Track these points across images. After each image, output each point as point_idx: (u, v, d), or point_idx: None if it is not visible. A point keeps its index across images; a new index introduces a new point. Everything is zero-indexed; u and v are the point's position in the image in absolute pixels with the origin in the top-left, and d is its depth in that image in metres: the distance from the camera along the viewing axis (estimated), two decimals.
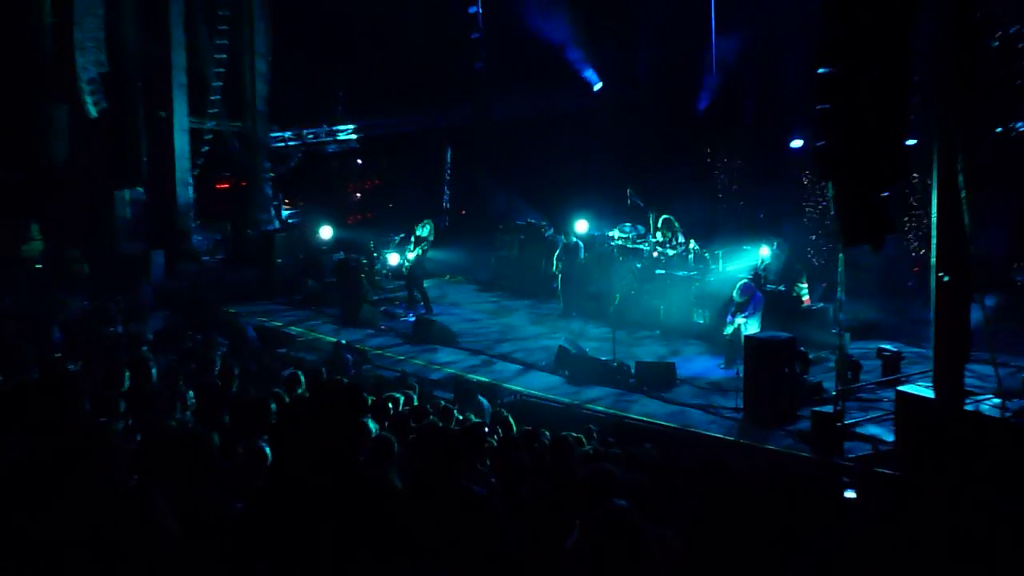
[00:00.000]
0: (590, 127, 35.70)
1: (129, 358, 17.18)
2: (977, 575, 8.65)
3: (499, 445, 14.27)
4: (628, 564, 8.09)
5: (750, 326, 24.52)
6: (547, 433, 16.10)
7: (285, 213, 32.61)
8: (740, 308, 25.23)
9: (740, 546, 10.36)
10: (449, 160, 34.53)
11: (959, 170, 20.26)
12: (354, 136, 35.14)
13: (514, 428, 16.61)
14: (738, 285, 25.53)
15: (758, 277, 26.48)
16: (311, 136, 34.48)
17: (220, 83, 32.35)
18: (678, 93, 35.77)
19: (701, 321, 26.44)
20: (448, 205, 33.42)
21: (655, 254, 28.07)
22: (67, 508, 6.55)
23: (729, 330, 25.37)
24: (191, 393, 14.23)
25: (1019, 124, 23.49)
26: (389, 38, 38.36)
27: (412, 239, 29.40)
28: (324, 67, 35.58)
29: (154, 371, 15.69)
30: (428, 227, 29.61)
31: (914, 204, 25.77)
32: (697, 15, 36.66)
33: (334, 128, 34.88)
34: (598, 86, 37.33)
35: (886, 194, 20.47)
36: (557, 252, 29.15)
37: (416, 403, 17.35)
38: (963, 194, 20.14)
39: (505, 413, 18.17)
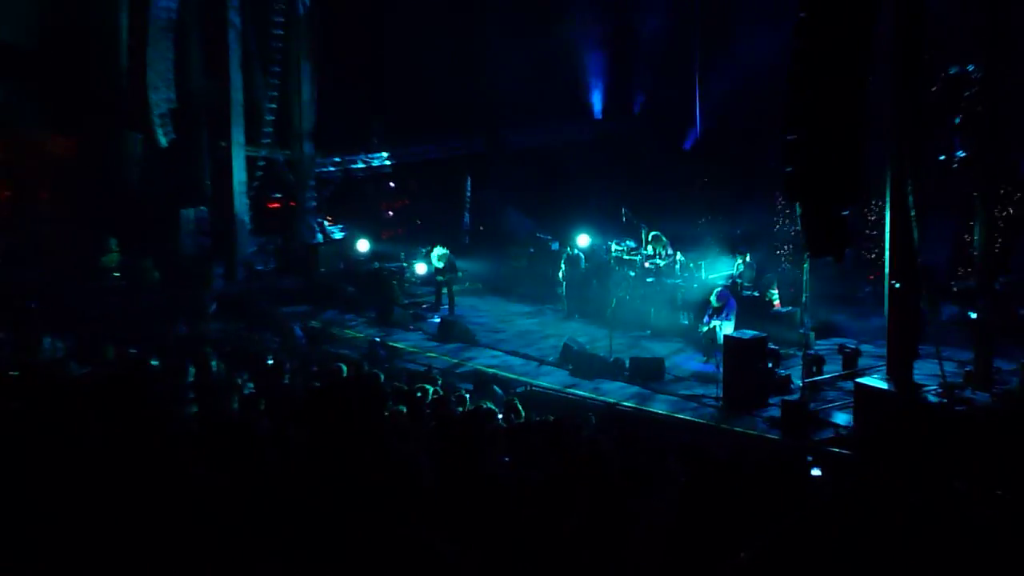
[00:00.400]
0: (591, 156, 35.64)
1: (193, 353, 17.20)
2: (929, 546, 8.58)
3: (513, 429, 14.26)
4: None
5: (725, 327, 24.60)
6: (551, 419, 16.11)
7: (329, 228, 32.56)
8: (717, 312, 25.44)
9: (720, 516, 10.32)
10: (468, 183, 34.46)
11: (909, 193, 20.32)
12: (387, 162, 35.11)
13: (522, 414, 16.60)
14: (715, 292, 25.76)
15: (735, 284, 26.55)
16: (350, 162, 34.45)
17: (272, 116, 32.35)
18: (667, 128, 35.75)
19: (686, 322, 26.46)
20: (468, 222, 33.31)
21: (646, 264, 28.07)
22: (145, 484, 6.54)
23: (704, 329, 25.53)
24: (251, 384, 14.21)
25: (958, 154, 23.43)
26: (417, 77, 38.31)
27: (438, 252, 29.43)
28: (362, 102, 35.53)
29: (214, 365, 15.74)
30: (442, 251, 29.60)
31: (870, 222, 25.68)
32: (685, 63, 36.89)
33: (370, 155, 34.84)
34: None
35: (845, 213, 20.44)
36: (562, 263, 29.17)
37: (440, 393, 17.35)
38: (912, 214, 20.16)
39: (516, 401, 18.15)
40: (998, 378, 21.49)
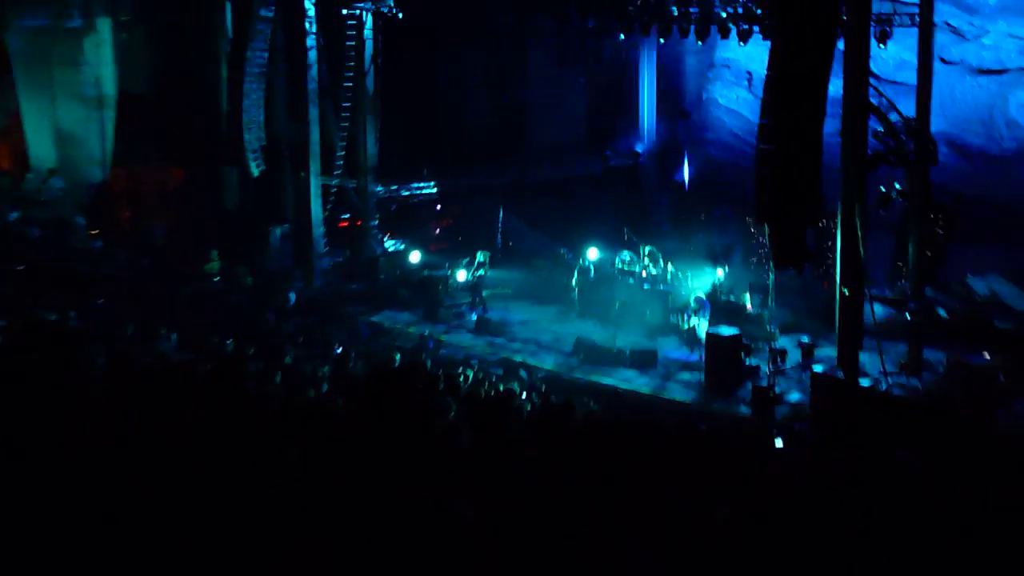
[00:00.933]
0: (600, 187, 35.65)
1: (277, 344, 17.31)
2: (873, 506, 8.64)
3: (534, 410, 14.32)
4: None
5: (702, 324, 24.67)
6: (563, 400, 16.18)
7: (388, 243, 32.61)
8: (695, 312, 25.62)
9: (702, 476, 10.37)
10: (501, 208, 34.50)
11: (856, 218, 20.34)
12: (434, 190, 35.13)
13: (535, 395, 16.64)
14: (693, 296, 26.02)
15: (715, 290, 26.54)
16: (405, 189, 34.52)
17: (342, 152, 32.42)
18: (664, 166, 35.76)
19: (675, 321, 26.42)
20: (500, 240, 33.32)
21: (643, 274, 28.08)
22: (242, 455, 6.53)
23: (686, 327, 25.67)
24: (326, 368, 14.29)
25: (896, 186, 23.39)
26: (462, 122, 38.42)
27: (475, 263, 29.56)
28: (415, 140, 35.59)
29: (292, 354, 15.87)
30: (485, 256, 29.78)
31: (826, 239, 25.66)
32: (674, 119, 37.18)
33: (420, 184, 34.89)
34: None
35: (805, 234, 20.54)
36: (575, 272, 29.19)
37: (477, 376, 17.44)
38: (859, 235, 20.18)
39: (539, 383, 18.26)
40: (926, 367, 21.59)
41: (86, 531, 4.04)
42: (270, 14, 31.39)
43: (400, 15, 31.05)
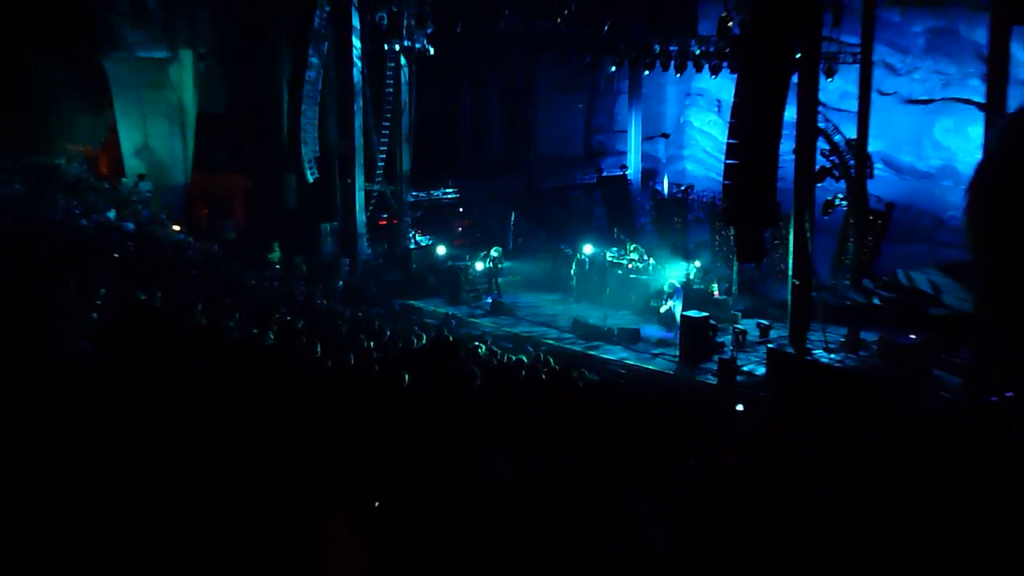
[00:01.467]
0: (595, 194, 35.58)
1: (328, 321, 17.30)
2: (821, 460, 8.67)
3: (540, 376, 14.34)
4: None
5: (677, 307, 24.61)
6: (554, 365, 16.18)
7: (419, 239, 32.62)
8: (669, 296, 25.49)
9: (675, 433, 10.37)
10: (513, 211, 34.48)
11: (806, 221, 20.31)
12: (457, 195, 35.14)
13: (540, 365, 16.63)
14: (667, 283, 25.90)
15: (688, 280, 26.50)
16: (432, 195, 34.51)
17: (382, 163, 32.42)
18: (647, 177, 35.70)
19: (655, 305, 26.39)
20: (511, 237, 33.30)
21: (629, 266, 28.07)
22: (301, 415, 6.54)
23: (664, 309, 25.54)
24: (370, 343, 14.27)
25: (839, 195, 23.34)
26: (480, 137, 38.36)
27: (490, 256, 29.55)
28: (441, 154, 35.62)
29: (344, 328, 15.87)
30: (499, 250, 29.77)
31: (781, 238, 25.59)
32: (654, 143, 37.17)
33: (446, 190, 34.88)
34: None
35: (765, 235, 20.53)
36: (573, 264, 29.20)
37: (491, 348, 17.43)
38: (808, 235, 20.14)
39: (544, 355, 18.21)
40: (861, 345, 21.57)
41: (193, 471, 4.04)
42: (323, 49, 31.49)
43: (431, 51, 31.05)
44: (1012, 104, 20.55)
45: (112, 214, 25.00)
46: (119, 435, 4.91)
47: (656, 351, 24.03)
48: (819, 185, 21.84)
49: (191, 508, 3.34)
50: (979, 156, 18.75)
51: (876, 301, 24.36)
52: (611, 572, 3.21)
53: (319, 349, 11.10)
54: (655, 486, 5.44)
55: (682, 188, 32.20)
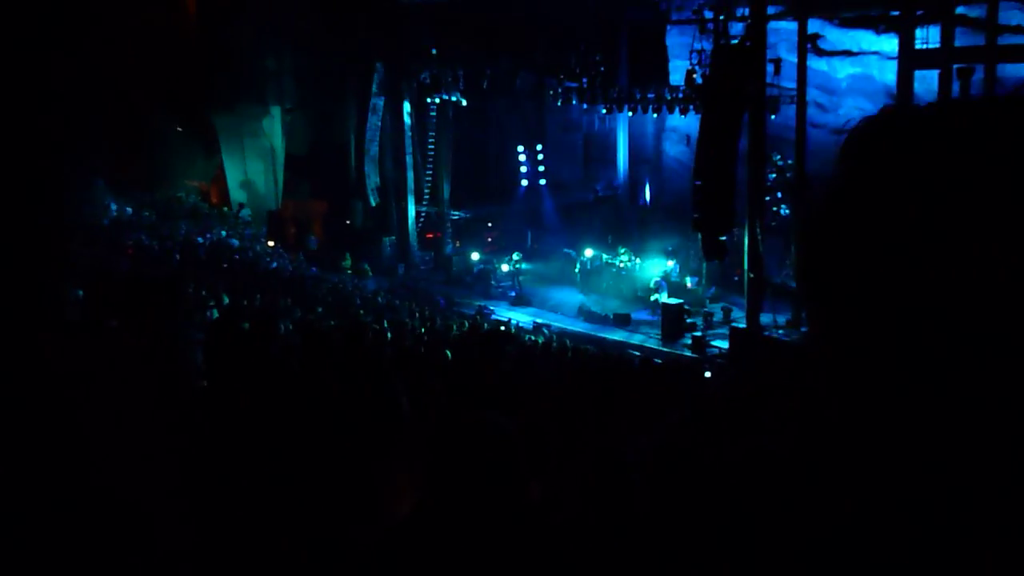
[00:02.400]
0: (592, 208, 35.29)
1: (389, 312, 17.38)
2: (765, 413, 8.62)
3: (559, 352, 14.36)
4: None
5: (662, 297, 24.54)
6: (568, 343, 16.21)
7: (457, 247, 32.69)
8: (655, 291, 25.37)
9: (659, 394, 10.35)
10: (529, 224, 34.39)
11: (757, 227, 20.24)
12: (485, 212, 35.11)
13: (552, 344, 16.63)
14: (654, 280, 25.81)
15: (667, 276, 26.42)
16: (467, 213, 34.49)
17: (428, 188, 32.58)
18: (634, 194, 35.50)
19: (642, 295, 26.34)
20: (528, 244, 33.14)
21: (620, 265, 28.02)
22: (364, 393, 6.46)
23: (652, 299, 25.41)
24: (422, 329, 14.33)
25: (783, 207, 23.21)
26: (501, 166, 38.11)
27: (513, 259, 29.52)
28: (473, 179, 35.58)
29: (398, 318, 15.93)
30: (519, 255, 29.75)
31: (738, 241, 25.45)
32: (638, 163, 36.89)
33: (477, 209, 34.88)
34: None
35: (723, 238, 20.44)
36: (577, 264, 29.17)
37: (515, 330, 17.49)
38: (759, 238, 20.09)
39: (555, 336, 18.26)
40: (803, 323, 21.46)
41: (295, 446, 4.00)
42: (380, 103, 31.67)
43: (464, 102, 31.16)
44: None
45: (224, 233, 25.24)
46: (241, 400, 4.96)
47: (642, 330, 24.01)
48: (767, 198, 21.78)
49: (299, 457, 3.40)
50: None
51: None
52: (605, 504, 3.27)
53: (382, 334, 11.18)
54: (642, 435, 5.47)
55: (660, 203, 32.08)
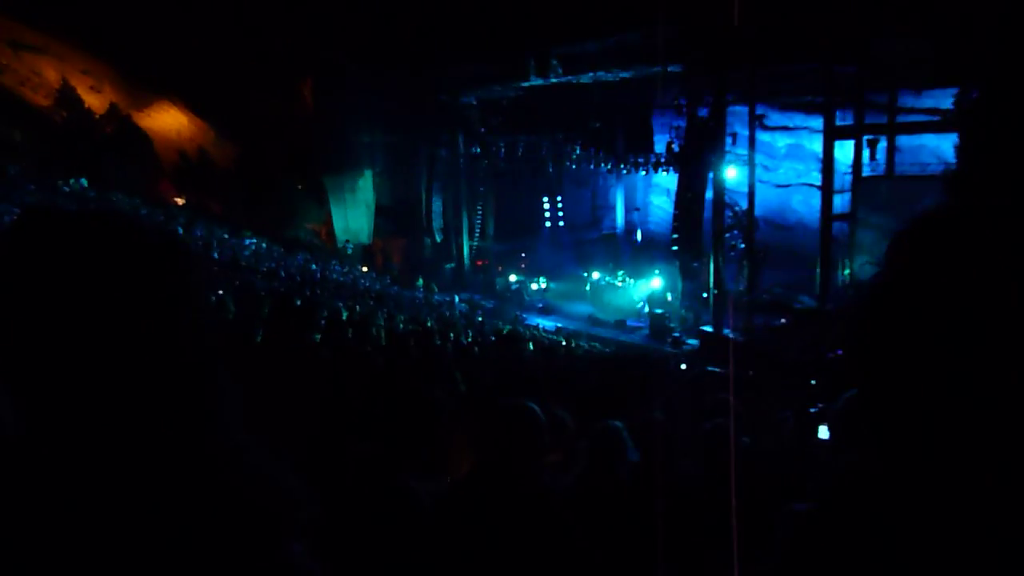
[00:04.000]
0: (597, 244, 35.11)
1: (450, 323, 17.33)
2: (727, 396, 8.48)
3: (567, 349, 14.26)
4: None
5: (649, 308, 24.38)
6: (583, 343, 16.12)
7: (500, 271, 32.68)
8: (645, 303, 25.15)
9: (645, 384, 10.25)
10: (552, 253, 34.30)
11: (720, 254, 20.07)
12: (519, 245, 35.01)
13: (570, 344, 16.53)
14: (645, 296, 25.52)
15: (652, 293, 26.18)
16: (505, 246, 34.47)
17: (479, 227, 32.73)
18: (628, 233, 35.26)
19: (637, 306, 26.19)
20: (551, 268, 32.99)
21: (619, 284, 27.95)
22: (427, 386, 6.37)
23: (646, 310, 25.17)
24: (471, 332, 14.29)
25: (738, 242, 22.82)
26: (529, 211, 37.93)
27: (539, 280, 29.46)
28: (511, 221, 35.56)
29: (456, 328, 15.82)
30: (545, 278, 29.69)
31: (705, 265, 25.12)
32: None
33: (513, 243, 34.82)
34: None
35: (696, 264, 20.29)
36: (588, 284, 29.05)
37: (538, 334, 17.40)
38: (721, 263, 19.89)
39: (571, 339, 18.16)
40: (754, 327, 21.14)
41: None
42: (440, 167, 31.88)
43: (503, 164, 31.37)
44: (837, 184, 20.04)
45: (334, 263, 25.57)
46: (347, 380, 4.95)
47: (634, 333, 23.84)
48: (727, 235, 21.61)
49: (388, 426, 3.37)
50: (816, 213, 18.01)
51: (764, 298, 23.98)
52: (599, 475, 3.32)
53: (444, 340, 11.21)
54: (632, 417, 5.49)
55: (648, 240, 31.87)
